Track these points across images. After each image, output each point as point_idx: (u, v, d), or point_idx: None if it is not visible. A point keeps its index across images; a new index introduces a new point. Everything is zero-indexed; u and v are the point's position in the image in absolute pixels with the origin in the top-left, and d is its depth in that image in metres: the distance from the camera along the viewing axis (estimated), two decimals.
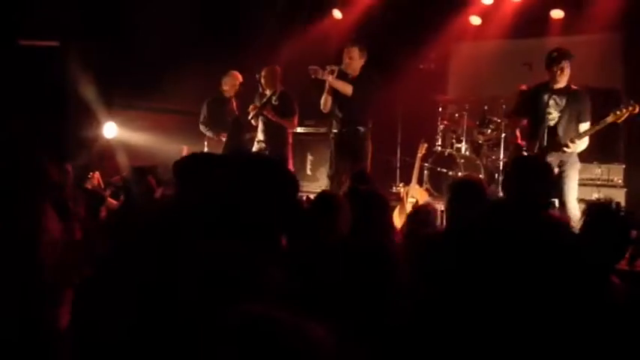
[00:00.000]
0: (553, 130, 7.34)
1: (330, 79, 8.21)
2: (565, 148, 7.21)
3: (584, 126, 7.30)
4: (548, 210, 4.95)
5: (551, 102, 7.37)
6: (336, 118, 8.49)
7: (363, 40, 8.79)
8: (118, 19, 10.15)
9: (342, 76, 8.32)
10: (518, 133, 7.76)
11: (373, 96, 8.37)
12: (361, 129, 8.29)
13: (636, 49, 9.72)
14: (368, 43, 8.55)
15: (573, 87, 7.42)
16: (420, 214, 5.34)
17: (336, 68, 8.27)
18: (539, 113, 7.43)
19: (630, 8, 9.54)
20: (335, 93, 8.33)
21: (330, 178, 8.53)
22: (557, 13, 10.58)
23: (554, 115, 7.37)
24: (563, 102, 7.34)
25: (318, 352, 1.54)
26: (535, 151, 7.32)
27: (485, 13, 11.22)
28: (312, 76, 8.36)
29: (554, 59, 7.33)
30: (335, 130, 8.54)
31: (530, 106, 7.59)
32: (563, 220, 5.14)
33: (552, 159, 7.05)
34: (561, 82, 7.35)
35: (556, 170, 6.97)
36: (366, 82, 8.26)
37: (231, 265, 2.32)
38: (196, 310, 1.86)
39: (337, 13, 11.76)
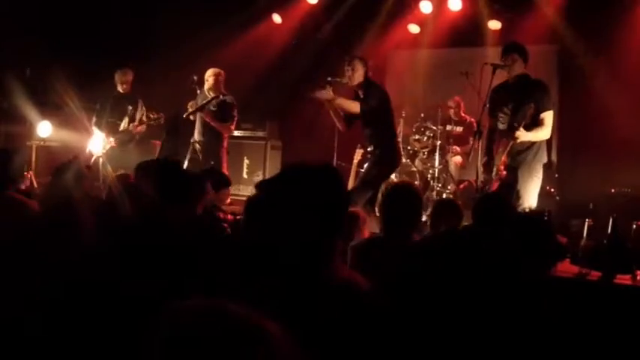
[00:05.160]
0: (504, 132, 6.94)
1: (338, 101, 7.45)
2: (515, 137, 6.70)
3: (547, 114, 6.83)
4: None
5: (503, 100, 6.99)
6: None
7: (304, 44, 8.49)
8: (54, 16, 9.98)
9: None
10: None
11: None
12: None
13: (569, 61, 9.90)
14: (307, 48, 8.37)
15: (529, 78, 7.02)
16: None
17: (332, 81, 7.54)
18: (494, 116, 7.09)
19: (563, 22, 9.75)
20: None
21: None
22: (494, 24, 10.71)
23: (503, 116, 6.96)
24: (515, 97, 6.90)
25: (271, 347, 1.48)
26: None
27: (424, 22, 11.31)
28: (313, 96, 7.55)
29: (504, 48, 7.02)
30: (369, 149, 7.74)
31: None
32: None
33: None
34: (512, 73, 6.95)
35: (504, 172, 6.76)
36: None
37: None
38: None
39: (277, 18, 11.72)
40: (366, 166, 7.79)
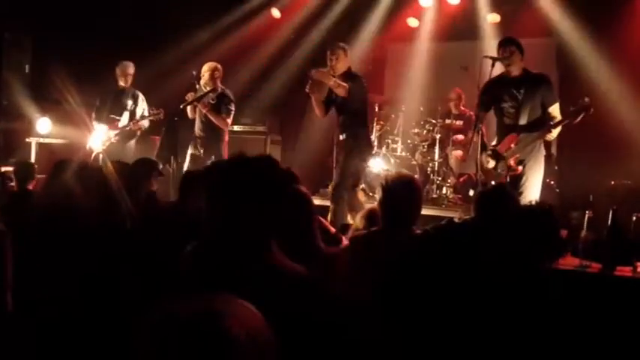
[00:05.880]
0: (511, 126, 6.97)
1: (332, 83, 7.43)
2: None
3: (555, 108, 6.88)
4: None
5: (507, 95, 6.98)
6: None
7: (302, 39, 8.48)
8: (53, 13, 9.97)
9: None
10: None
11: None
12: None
13: (568, 54, 9.88)
14: (305, 43, 8.34)
15: (532, 72, 7.03)
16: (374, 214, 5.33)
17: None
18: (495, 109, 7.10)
19: (562, 15, 9.74)
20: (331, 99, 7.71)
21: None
22: (493, 17, 10.71)
23: (510, 111, 6.95)
24: (521, 92, 6.88)
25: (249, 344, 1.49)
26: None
27: (423, 16, 11.30)
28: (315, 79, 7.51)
29: (501, 42, 7.02)
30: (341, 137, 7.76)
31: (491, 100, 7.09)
32: None
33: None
34: (514, 69, 6.94)
35: (520, 168, 6.81)
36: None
37: None
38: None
39: (276, 12, 11.70)
40: (341, 158, 7.69)
